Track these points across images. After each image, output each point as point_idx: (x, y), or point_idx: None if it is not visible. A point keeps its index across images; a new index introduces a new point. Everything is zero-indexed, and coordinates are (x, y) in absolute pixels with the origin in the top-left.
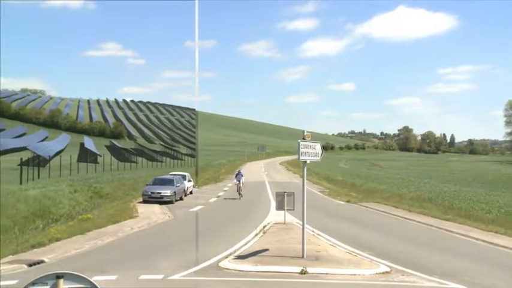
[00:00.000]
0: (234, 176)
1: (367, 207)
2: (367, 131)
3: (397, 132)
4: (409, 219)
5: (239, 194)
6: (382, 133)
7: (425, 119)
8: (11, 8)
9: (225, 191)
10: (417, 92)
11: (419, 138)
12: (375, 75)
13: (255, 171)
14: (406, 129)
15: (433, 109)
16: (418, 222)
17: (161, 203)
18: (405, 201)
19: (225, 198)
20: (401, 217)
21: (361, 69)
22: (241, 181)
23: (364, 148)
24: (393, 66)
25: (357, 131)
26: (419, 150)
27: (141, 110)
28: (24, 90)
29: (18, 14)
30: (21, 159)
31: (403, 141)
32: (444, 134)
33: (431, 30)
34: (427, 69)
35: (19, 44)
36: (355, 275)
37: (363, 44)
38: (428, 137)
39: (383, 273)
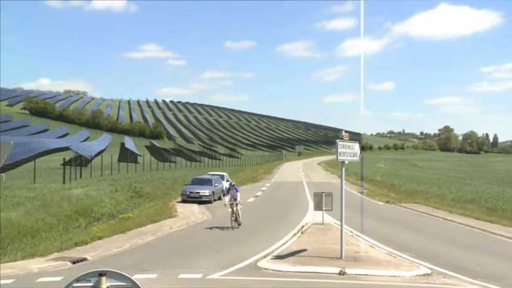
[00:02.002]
0: (226, 191)
1: (406, 208)
2: (407, 131)
3: (437, 132)
4: (450, 221)
5: (235, 221)
6: (422, 133)
7: (466, 118)
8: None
9: (263, 191)
10: (458, 91)
11: (460, 138)
12: (414, 74)
13: (292, 171)
14: (447, 129)
15: (475, 108)
16: (460, 223)
17: (200, 202)
18: (446, 202)
19: (209, 228)
20: (442, 218)
21: (401, 68)
22: (237, 200)
23: (403, 148)
24: (433, 65)
25: (396, 130)
26: (460, 151)
27: (180, 111)
28: (67, 92)
29: (64, 18)
30: (64, 159)
31: (444, 141)
32: (487, 134)
33: (475, 27)
34: (470, 68)
35: (63, 47)
36: (394, 276)
37: (402, 43)
38: (470, 137)
39: (424, 275)
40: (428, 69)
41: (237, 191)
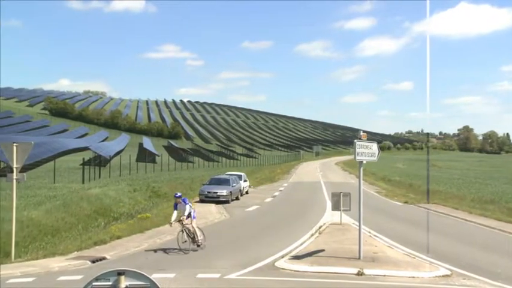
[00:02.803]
0: (174, 205)
1: (425, 208)
2: (425, 131)
3: (456, 131)
4: (470, 221)
5: (192, 242)
6: (441, 133)
7: (486, 118)
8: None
9: (281, 191)
10: (478, 90)
11: (480, 138)
12: (433, 73)
13: (310, 171)
14: (467, 129)
15: (495, 108)
16: (480, 224)
17: (217, 202)
18: (465, 202)
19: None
20: (461, 219)
21: (419, 68)
22: (192, 216)
23: (422, 148)
24: (453, 64)
25: (414, 130)
26: (480, 151)
27: (197, 111)
28: (86, 92)
29: (83, 19)
30: (83, 159)
31: (463, 141)
32: (508, 134)
33: (495, 26)
34: (490, 67)
35: (83, 47)
36: (413, 277)
37: (421, 42)
38: (490, 136)
39: (443, 276)
40: (448, 68)
41: (185, 203)
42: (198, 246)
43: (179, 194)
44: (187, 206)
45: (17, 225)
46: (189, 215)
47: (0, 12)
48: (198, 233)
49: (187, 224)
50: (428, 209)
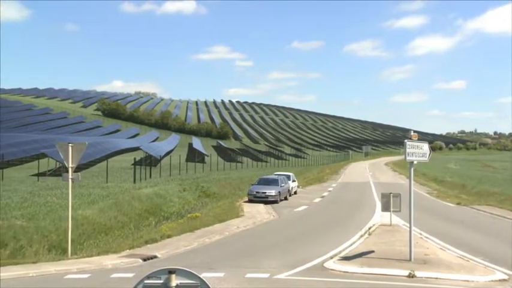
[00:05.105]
0: None
1: (479, 210)
2: (479, 131)
3: None
4: None
5: None
6: (495, 132)
7: None
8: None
9: (329, 191)
10: None
11: None
12: (487, 72)
13: (359, 171)
14: None
15: None
16: None
17: (266, 202)
18: None
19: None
20: None
21: (473, 66)
22: None
23: (475, 148)
24: (508, 62)
25: (467, 130)
26: None
27: (246, 111)
28: (137, 93)
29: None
30: (135, 158)
31: None
32: None
33: None
34: None
35: (136, 49)
36: (467, 281)
37: (475, 40)
38: None
39: (499, 280)
40: (503, 66)
41: None
42: None
43: None
44: None
45: (73, 223)
46: None
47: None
48: None
49: None
50: (484, 211)
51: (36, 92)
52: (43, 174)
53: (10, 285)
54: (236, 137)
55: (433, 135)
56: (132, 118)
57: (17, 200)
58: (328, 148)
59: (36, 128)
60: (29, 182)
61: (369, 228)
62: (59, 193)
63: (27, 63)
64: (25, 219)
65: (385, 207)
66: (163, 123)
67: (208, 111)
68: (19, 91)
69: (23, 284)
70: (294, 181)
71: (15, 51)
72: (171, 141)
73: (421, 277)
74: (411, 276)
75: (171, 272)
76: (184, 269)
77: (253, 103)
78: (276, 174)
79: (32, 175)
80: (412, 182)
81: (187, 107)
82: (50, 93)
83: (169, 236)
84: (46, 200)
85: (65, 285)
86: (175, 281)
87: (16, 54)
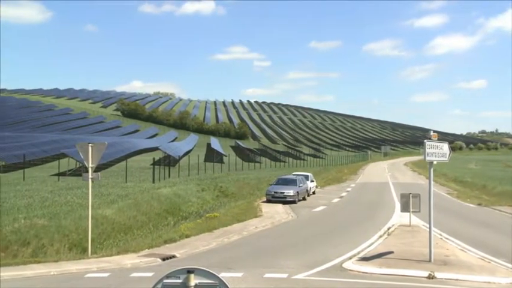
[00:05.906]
0: None
1: (501, 211)
2: (500, 131)
3: None
4: None
5: None
6: None
7: None
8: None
9: (348, 191)
10: None
11: None
12: (508, 71)
13: (378, 172)
14: None
15: None
16: None
17: (284, 202)
18: None
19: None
20: None
21: (493, 65)
22: None
23: (496, 148)
24: None
25: (488, 130)
26: None
27: (264, 111)
28: (156, 93)
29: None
30: (154, 158)
31: None
32: None
33: None
34: None
35: (154, 50)
36: (489, 282)
37: (496, 38)
38: None
39: None
40: None
41: None
42: None
43: None
44: None
45: (93, 222)
46: None
47: None
48: None
49: None
50: (506, 212)
51: (56, 93)
52: (63, 174)
53: (33, 283)
54: (254, 137)
55: (454, 135)
56: (151, 118)
57: (38, 200)
58: (347, 148)
59: (57, 128)
60: (49, 182)
61: (388, 229)
62: (79, 192)
63: (48, 64)
64: (46, 219)
65: (405, 208)
66: (181, 124)
67: (227, 111)
68: (40, 92)
69: (45, 283)
70: (312, 181)
71: (36, 52)
72: (189, 141)
73: (441, 278)
74: (431, 277)
75: (189, 271)
76: (203, 268)
77: (271, 103)
78: (294, 174)
79: (53, 175)
80: (432, 182)
81: (205, 107)
82: (70, 94)
83: (187, 236)
84: (66, 199)
85: (85, 284)
86: (194, 280)
87: (37, 56)
